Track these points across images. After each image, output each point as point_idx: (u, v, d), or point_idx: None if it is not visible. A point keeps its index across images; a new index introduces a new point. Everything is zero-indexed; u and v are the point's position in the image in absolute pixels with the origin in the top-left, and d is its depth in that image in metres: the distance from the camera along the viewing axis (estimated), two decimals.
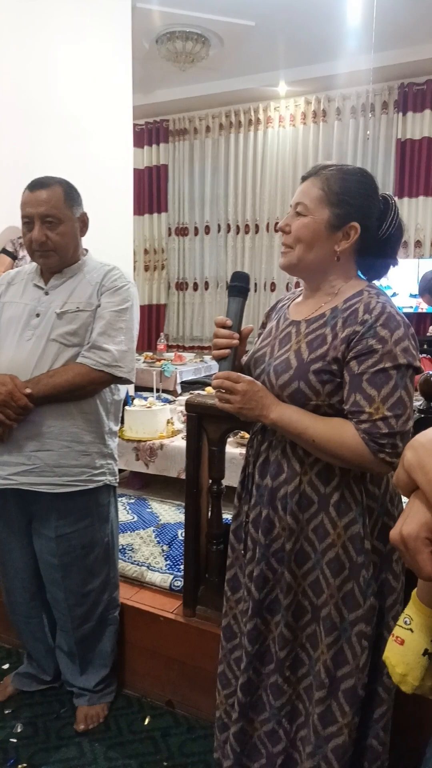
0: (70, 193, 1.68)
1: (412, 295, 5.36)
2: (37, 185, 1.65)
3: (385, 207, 1.25)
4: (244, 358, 1.40)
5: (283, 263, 1.29)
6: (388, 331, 1.13)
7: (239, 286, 1.29)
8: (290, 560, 1.26)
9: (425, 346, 4.98)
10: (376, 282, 1.31)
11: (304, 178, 1.27)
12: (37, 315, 1.69)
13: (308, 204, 1.22)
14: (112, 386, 1.77)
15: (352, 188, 1.21)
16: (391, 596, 1.27)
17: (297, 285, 6.15)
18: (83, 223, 1.75)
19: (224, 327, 1.26)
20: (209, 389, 3.82)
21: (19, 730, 1.83)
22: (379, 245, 1.26)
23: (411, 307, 5.46)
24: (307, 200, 1.22)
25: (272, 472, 1.29)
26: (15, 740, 1.79)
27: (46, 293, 1.72)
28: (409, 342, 1.15)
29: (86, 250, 1.81)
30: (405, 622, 0.82)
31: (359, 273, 1.30)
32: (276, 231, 1.33)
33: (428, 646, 0.80)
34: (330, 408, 1.20)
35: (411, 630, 0.81)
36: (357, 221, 1.21)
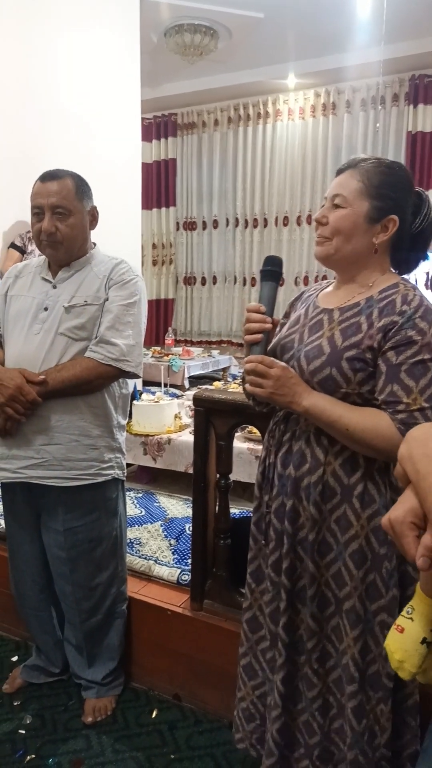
0: (80, 186, 1.68)
1: None
2: (48, 177, 1.65)
3: (419, 201, 1.26)
4: (269, 346, 1.39)
5: (319, 253, 1.28)
6: (426, 324, 1.14)
7: (272, 271, 1.29)
8: (313, 550, 1.26)
9: None
10: (405, 276, 1.33)
11: (340, 171, 1.28)
12: (45, 309, 1.69)
13: (347, 196, 1.22)
14: (120, 380, 1.77)
15: (391, 181, 1.22)
16: (411, 587, 1.26)
17: (306, 280, 6.13)
18: (93, 216, 1.75)
19: (257, 312, 1.26)
20: (217, 384, 3.82)
21: (27, 722, 1.84)
22: (412, 239, 1.27)
23: None
24: (346, 192, 1.23)
25: (295, 461, 1.28)
26: (23, 732, 1.81)
27: (54, 287, 1.72)
28: None
29: (94, 244, 1.80)
30: (407, 612, 0.85)
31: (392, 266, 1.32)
32: (315, 222, 1.33)
33: (427, 635, 0.82)
34: (359, 397, 1.19)
35: (411, 619, 0.83)
36: (395, 214, 1.22)
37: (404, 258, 1.31)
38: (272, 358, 1.23)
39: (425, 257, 1.32)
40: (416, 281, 5.35)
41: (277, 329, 1.41)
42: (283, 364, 1.23)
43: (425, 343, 1.13)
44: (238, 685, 1.49)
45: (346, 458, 1.22)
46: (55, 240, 1.66)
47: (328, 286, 1.38)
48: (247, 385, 1.26)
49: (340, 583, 1.25)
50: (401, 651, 0.83)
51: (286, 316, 1.45)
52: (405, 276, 1.33)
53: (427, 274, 4.54)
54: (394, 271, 1.31)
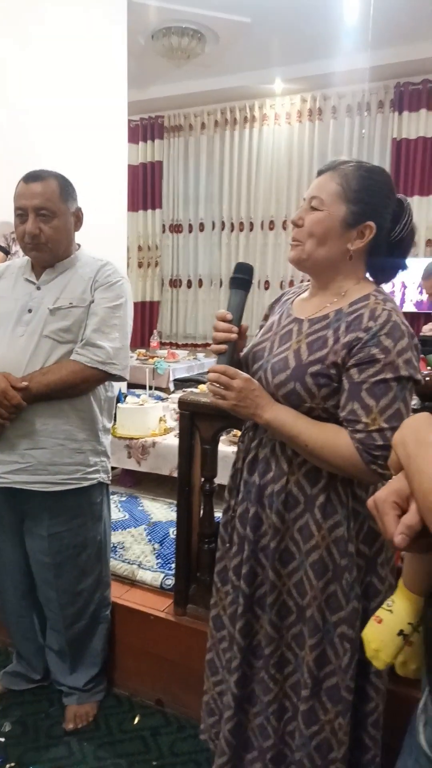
0: (65, 187, 1.66)
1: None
2: (32, 177, 1.63)
3: (400, 209, 1.22)
4: (245, 350, 1.38)
5: (291, 257, 1.25)
6: (391, 341, 1.11)
7: (241, 278, 1.25)
8: (274, 558, 1.25)
9: (418, 346, 4.99)
10: (383, 285, 1.29)
11: (320, 172, 1.24)
12: (29, 311, 1.66)
13: (324, 198, 1.19)
14: (105, 383, 1.76)
15: (370, 186, 1.19)
16: (376, 599, 1.26)
17: (291, 284, 6.15)
18: (77, 218, 1.73)
19: (224, 320, 1.24)
20: (202, 387, 3.81)
21: (7, 729, 1.81)
22: (390, 247, 1.23)
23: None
24: (324, 194, 1.19)
25: (260, 469, 1.28)
26: (3, 739, 1.78)
27: (38, 288, 1.70)
28: (412, 353, 1.13)
29: (78, 245, 1.79)
30: (387, 605, 0.88)
31: (367, 274, 1.28)
32: (292, 224, 1.32)
33: (404, 627, 0.85)
34: (324, 412, 1.18)
35: (391, 611, 0.86)
36: (373, 220, 1.18)
37: (381, 266, 1.26)
38: (235, 369, 1.21)
39: (403, 267, 1.27)
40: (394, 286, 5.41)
41: (257, 330, 1.40)
42: (245, 375, 1.21)
43: (388, 361, 1.10)
44: (204, 680, 1.49)
45: (310, 469, 1.21)
46: (39, 242, 1.64)
47: (305, 290, 1.35)
48: (210, 396, 1.24)
49: (301, 591, 1.25)
50: (377, 641, 0.86)
51: (266, 318, 1.43)
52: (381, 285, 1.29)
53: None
54: (370, 279, 1.28)
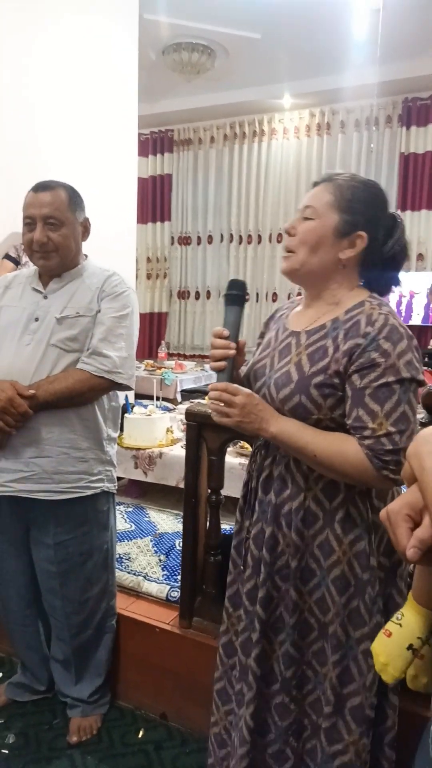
0: (73, 198, 1.68)
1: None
2: (40, 187, 1.65)
3: (393, 224, 1.23)
4: (244, 369, 1.37)
5: (284, 267, 1.25)
6: (390, 344, 1.11)
7: (235, 295, 1.25)
8: (296, 578, 1.23)
9: (426, 359, 4.98)
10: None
11: (315, 184, 1.25)
12: (36, 319, 1.68)
13: (317, 207, 1.20)
14: (110, 393, 1.76)
15: (363, 197, 1.20)
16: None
17: (299, 295, 6.17)
18: (85, 228, 1.75)
19: (221, 337, 1.23)
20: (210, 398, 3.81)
21: (11, 741, 1.80)
22: (383, 261, 1.23)
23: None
24: (317, 204, 1.20)
25: (276, 488, 1.26)
26: (6, 751, 1.77)
27: (45, 297, 1.71)
28: (413, 355, 1.13)
29: (86, 256, 1.80)
30: (397, 618, 0.87)
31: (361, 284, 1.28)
32: (285, 233, 1.33)
33: (414, 641, 0.83)
34: (332, 422, 1.17)
35: (400, 625, 0.85)
36: (365, 231, 1.18)
37: (374, 279, 1.26)
38: (236, 386, 1.20)
39: (396, 282, 1.28)
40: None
41: (255, 348, 1.40)
42: (247, 391, 1.20)
43: (389, 365, 1.10)
44: (212, 710, 1.46)
45: (327, 483, 1.20)
46: (47, 250, 1.65)
47: (298, 304, 1.35)
48: (214, 414, 1.23)
49: (323, 608, 1.23)
50: (386, 654, 0.85)
51: (262, 336, 1.42)
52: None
53: None
54: (363, 287, 1.27)
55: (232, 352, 1.22)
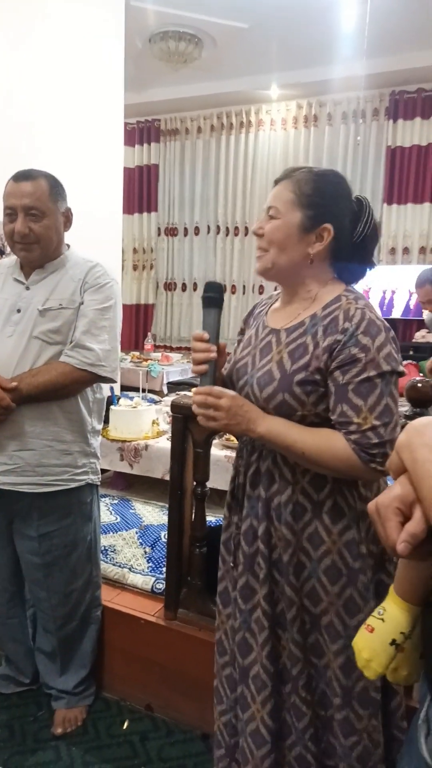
0: (55, 187, 1.66)
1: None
2: (21, 177, 1.63)
3: (359, 209, 1.23)
4: (226, 367, 1.37)
5: (258, 268, 1.27)
6: (369, 339, 1.12)
7: (212, 297, 1.24)
8: (288, 572, 1.24)
9: (411, 352, 5.02)
10: (353, 285, 1.30)
11: (276, 182, 1.26)
12: (18, 311, 1.66)
13: (280, 207, 1.21)
14: (94, 385, 1.75)
15: (323, 189, 1.21)
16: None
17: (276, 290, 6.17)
18: (67, 218, 1.73)
19: (201, 341, 1.23)
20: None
21: None
22: (353, 248, 1.24)
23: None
24: (279, 203, 1.21)
25: (264, 483, 1.26)
26: None
27: (27, 288, 1.69)
28: (391, 347, 1.14)
29: (68, 246, 1.78)
30: (378, 613, 0.87)
31: (336, 276, 1.28)
32: (254, 234, 1.35)
33: (396, 636, 0.83)
34: (316, 417, 1.18)
35: (382, 620, 0.85)
36: (329, 223, 1.19)
37: (347, 268, 1.27)
38: (220, 389, 1.20)
39: (371, 266, 1.28)
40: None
41: (236, 345, 1.40)
42: (232, 393, 1.20)
43: (369, 359, 1.11)
44: (213, 707, 1.44)
45: (314, 475, 1.21)
46: (29, 242, 1.63)
47: (276, 300, 1.36)
48: (200, 419, 1.23)
49: (315, 600, 1.23)
50: (369, 650, 0.85)
51: (242, 332, 1.42)
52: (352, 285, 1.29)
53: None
54: (339, 280, 1.27)
55: (213, 355, 1.22)
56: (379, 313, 1.18)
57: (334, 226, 1.20)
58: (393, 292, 5.46)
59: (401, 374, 1.16)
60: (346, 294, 1.20)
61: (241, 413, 1.18)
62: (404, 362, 3.16)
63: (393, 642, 0.83)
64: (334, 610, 1.21)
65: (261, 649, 1.28)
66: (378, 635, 0.84)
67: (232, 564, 1.36)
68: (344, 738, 1.24)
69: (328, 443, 1.14)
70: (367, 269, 1.29)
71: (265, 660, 1.28)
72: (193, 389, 1.24)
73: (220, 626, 1.42)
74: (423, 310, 4.50)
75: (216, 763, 1.43)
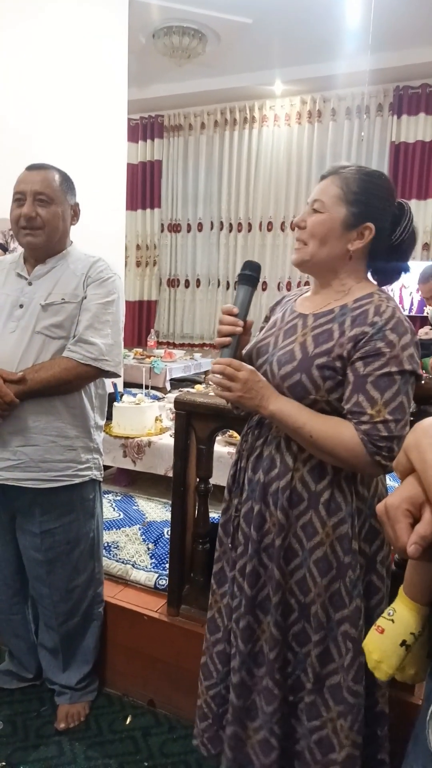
0: (65, 180, 1.68)
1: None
2: (34, 167, 1.65)
3: (400, 212, 1.26)
4: (247, 347, 1.39)
5: (295, 259, 1.29)
6: (396, 336, 1.14)
7: (248, 275, 1.28)
8: (279, 556, 1.25)
9: None
10: (386, 287, 1.33)
11: (323, 177, 1.28)
12: (21, 306, 1.65)
13: (326, 201, 1.23)
14: (97, 380, 1.75)
15: (370, 189, 1.23)
16: (376, 596, 1.28)
17: (288, 285, 6.15)
18: (75, 212, 1.73)
19: (230, 314, 1.26)
20: (199, 387, 3.81)
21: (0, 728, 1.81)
22: (390, 250, 1.27)
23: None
24: (325, 198, 1.24)
25: (265, 467, 1.28)
26: None
27: (30, 283, 1.69)
28: (414, 349, 1.17)
29: (71, 242, 1.78)
30: (388, 614, 0.87)
31: (369, 276, 1.32)
32: (294, 227, 1.36)
33: (407, 637, 0.83)
34: (327, 404, 1.20)
35: (392, 621, 0.85)
36: (372, 222, 1.22)
37: (382, 268, 1.31)
38: (240, 362, 1.23)
39: (406, 269, 1.32)
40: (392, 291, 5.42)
41: (258, 332, 1.41)
42: (250, 367, 1.23)
43: (393, 355, 1.14)
44: (198, 683, 1.48)
45: (314, 465, 1.23)
46: (35, 226, 1.63)
47: (307, 291, 1.39)
48: (215, 387, 1.26)
49: (304, 589, 1.25)
50: (379, 651, 0.85)
51: (266, 320, 1.45)
52: (383, 287, 1.33)
53: None
54: (372, 280, 1.31)
55: (239, 329, 1.25)
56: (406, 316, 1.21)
57: (375, 226, 1.22)
58: (401, 288, 5.44)
59: (419, 378, 1.18)
60: (378, 293, 1.23)
61: (257, 388, 1.21)
62: None
63: (403, 643, 0.82)
64: (321, 601, 1.23)
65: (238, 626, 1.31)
66: (388, 636, 0.84)
67: (230, 545, 1.39)
68: (307, 720, 1.26)
69: (336, 430, 1.15)
70: (401, 273, 1.32)
71: (239, 639, 1.32)
72: (214, 360, 1.27)
73: (213, 605, 1.44)
74: (426, 306, 4.48)
75: (201, 734, 1.44)
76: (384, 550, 1.28)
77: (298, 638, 1.28)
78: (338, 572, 1.22)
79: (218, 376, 1.23)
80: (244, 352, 1.37)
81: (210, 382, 1.30)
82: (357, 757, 1.24)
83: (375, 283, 1.31)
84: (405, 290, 5.45)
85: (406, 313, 5.48)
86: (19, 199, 1.63)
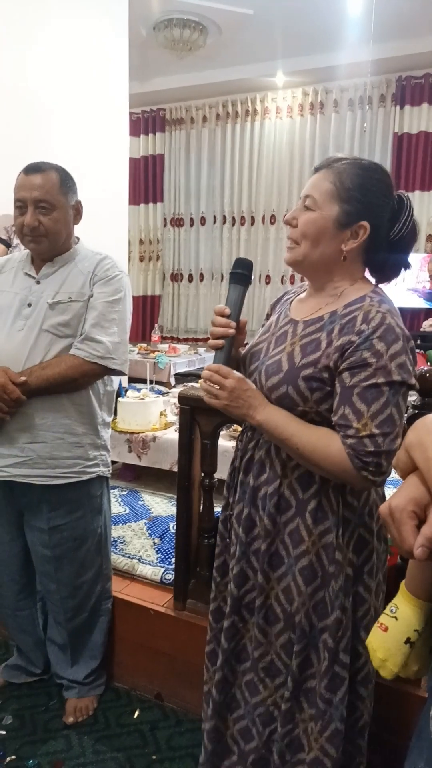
0: (65, 180, 1.66)
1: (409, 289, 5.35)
2: (32, 169, 1.62)
3: (399, 206, 1.18)
4: (243, 349, 1.36)
5: (287, 258, 1.24)
6: (384, 345, 1.08)
7: (239, 274, 1.23)
8: (264, 561, 1.24)
9: (418, 341, 4.98)
10: (384, 285, 1.26)
11: (316, 170, 1.21)
12: (29, 305, 1.66)
13: (317, 198, 1.16)
14: (105, 377, 1.75)
15: (365, 185, 1.15)
16: (362, 607, 1.24)
17: (292, 279, 6.14)
18: (77, 211, 1.72)
19: (222, 315, 1.21)
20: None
21: (7, 723, 1.82)
22: (389, 246, 1.19)
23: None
24: (317, 194, 1.16)
25: (255, 471, 1.27)
26: (3, 732, 1.78)
27: (38, 282, 1.69)
28: (407, 357, 1.10)
29: (78, 239, 1.78)
30: (391, 611, 0.85)
31: (368, 273, 1.25)
32: (285, 224, 1.30)
33: (411, 634, 0.82)
34: (318, 415, 1.16)
35: (396, 618, 0.84)
36: (367, 220, 1.14)
37: (380, 266, 1.23)
38: (228, 369, 1.19)
39: (406, 266, 1.23)
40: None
41: (260, 327, 1.39)
42: (239, 375, 1.19)
43: (380, 366, 1.07)
44: (203, 672, 1.48)
45: (303, 473, 1.20)
46: (39, 234, 1.63)
47: (304, 290, 1.33)
48: (204, 395, 1.22)
49: (289, 598, 1.23)
50: (383, 650, 0.84)
51: (268, 317, 1.40)
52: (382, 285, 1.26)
53: None
54: (371, 279, 1.24)
55: (232, 331, 1.21)
56: (401, 321, 1.13)
57: (371, 223, 1.15)
58: (404, 280, 5.41)
59: (412, 387, 1.12)
60: (371, 295, 1.16)
61: (244, 397, 1.18)
62: None
63: (408, 641, 0.81)
64: (305, 610, 1.21)
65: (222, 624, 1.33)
66: (392, 634, 0.83)
67: (228, 540, 1.38)
68: (282, 726, 1.26)
69: (323, 443, 1.12)
70: (402, 270, 1.24)
71: (222, 636, 1.32)
72: (206, 365, 1.24)
73: (217, 596, 1.43)
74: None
75: (208, 719, 1.42)
76: (372, 561, 1.24)
77: (286, 649, 1.26)
78: (323, 581, 1.20)
79: (207, 382, 1.20)
80: (242, 352, 1.35)
81: (201, 386, 1.28)
82: (325, 766, 1.22)
83: (373, 282, 1.23)
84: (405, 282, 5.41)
85: (414, 306, 5.47)
86: (20, 206, 1.62)
